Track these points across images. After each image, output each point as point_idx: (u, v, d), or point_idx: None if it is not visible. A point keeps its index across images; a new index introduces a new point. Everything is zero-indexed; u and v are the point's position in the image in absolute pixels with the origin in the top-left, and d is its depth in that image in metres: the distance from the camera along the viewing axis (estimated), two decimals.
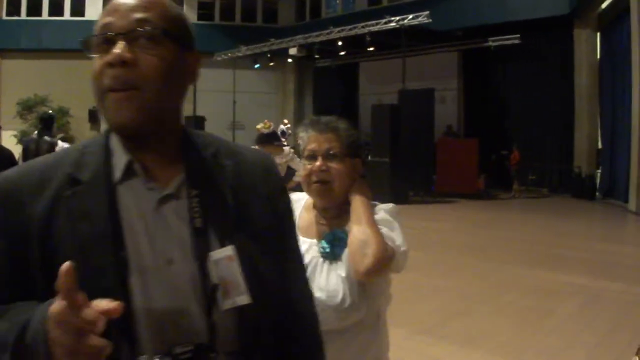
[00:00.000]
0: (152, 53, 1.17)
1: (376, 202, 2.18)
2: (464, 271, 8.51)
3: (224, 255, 1.17)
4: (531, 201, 17.70)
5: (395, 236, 2.05)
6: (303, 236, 2.08)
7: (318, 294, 1.94)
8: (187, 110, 25.31)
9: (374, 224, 2.00)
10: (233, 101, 24.79)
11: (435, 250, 9.91)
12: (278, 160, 7.39)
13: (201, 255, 1.17)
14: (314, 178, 2.08)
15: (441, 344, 5.46)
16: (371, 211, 2.06)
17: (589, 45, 18.68)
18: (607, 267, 9.02)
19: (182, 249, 1.17)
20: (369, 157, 14.88)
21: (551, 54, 19.24)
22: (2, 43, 25.98)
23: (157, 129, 1.22)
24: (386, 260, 1.96)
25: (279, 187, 1.38)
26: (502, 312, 6.63)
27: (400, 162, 15.45)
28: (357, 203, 2.06)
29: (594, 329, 6.13)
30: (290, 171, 7.71)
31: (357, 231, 1.99)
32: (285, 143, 23.41)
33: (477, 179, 18.13)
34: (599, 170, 18.59)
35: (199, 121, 22.36)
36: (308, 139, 2.13)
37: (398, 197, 13.41)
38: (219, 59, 24.77)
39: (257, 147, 7.36)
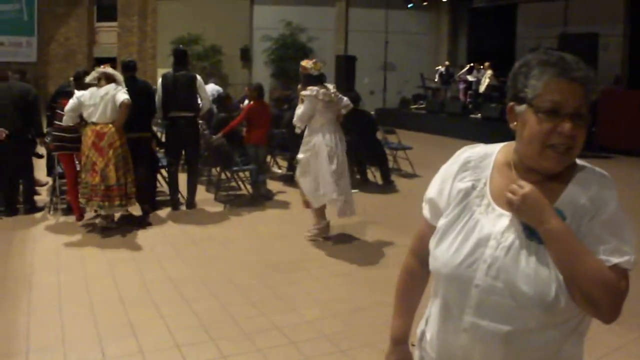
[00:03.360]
0: None
1: (584, 164, 1.70)
2: None
3: None
4: None
5: (626, 242, 1.60)
6: (499, 206, 1.70)
7: (524, 287, 1.57)
8: (337, 50, 25.17)
9: (592, 263, 1.54)
10: (385, 42, 24.25)
11: None
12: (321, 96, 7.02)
13: None
14: (557, 140, 1.59)
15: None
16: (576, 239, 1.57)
17: None
18: None
19: None
20: None
21: None
22: None
23: None
24: (624, 296, 1.57)
25: None
26: None
27: None
28: (559, 229, 1.57)
29: None
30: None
31: (574, 277, 1.54)
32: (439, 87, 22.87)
33: None
34: None
35: (350, 61, 22.08)
36: (549, 85, 1.60)
37: None
38: None
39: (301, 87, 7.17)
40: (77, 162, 7.73)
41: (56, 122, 7.78)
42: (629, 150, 16.09)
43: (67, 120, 7.32)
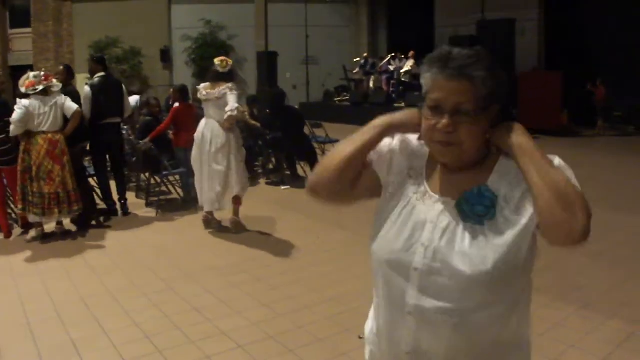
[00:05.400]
0: None
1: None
2: None
3: None
4: (616, 139, 16.83)
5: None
6: (433, 192, 1.74)
7: (460, 266, 1.59)
8: (258, 46, 25.06)
9: (562, 173, 1.55)
10: (305, 35, 24.28)
11: None
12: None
13: None
14: (437, 137, 1.64)
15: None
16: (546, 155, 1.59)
17: None
18: None
19: None
20: None
21: None
22: None
23: None
24: (590, 211, 1.53)
25: None
26: (587, 263, 6.12)
27: None
28: (527, 144, 1.59)
29: None
30: None
31: (546, 181, 1.51)
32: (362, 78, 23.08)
33: (560, 114, 17.32)
34: None
35: (272, 57, 22.03)
36: (432, 82, 1.65)
37: None
38: None
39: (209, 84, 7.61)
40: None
41: None
42: (551, 130, 16.54)
43: (15, 131, 7.08)
